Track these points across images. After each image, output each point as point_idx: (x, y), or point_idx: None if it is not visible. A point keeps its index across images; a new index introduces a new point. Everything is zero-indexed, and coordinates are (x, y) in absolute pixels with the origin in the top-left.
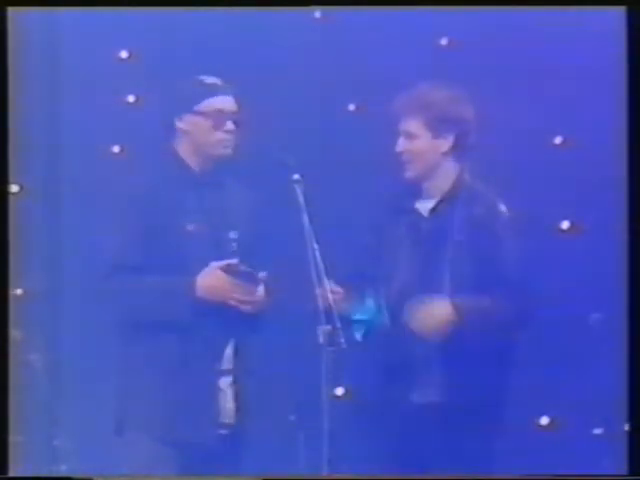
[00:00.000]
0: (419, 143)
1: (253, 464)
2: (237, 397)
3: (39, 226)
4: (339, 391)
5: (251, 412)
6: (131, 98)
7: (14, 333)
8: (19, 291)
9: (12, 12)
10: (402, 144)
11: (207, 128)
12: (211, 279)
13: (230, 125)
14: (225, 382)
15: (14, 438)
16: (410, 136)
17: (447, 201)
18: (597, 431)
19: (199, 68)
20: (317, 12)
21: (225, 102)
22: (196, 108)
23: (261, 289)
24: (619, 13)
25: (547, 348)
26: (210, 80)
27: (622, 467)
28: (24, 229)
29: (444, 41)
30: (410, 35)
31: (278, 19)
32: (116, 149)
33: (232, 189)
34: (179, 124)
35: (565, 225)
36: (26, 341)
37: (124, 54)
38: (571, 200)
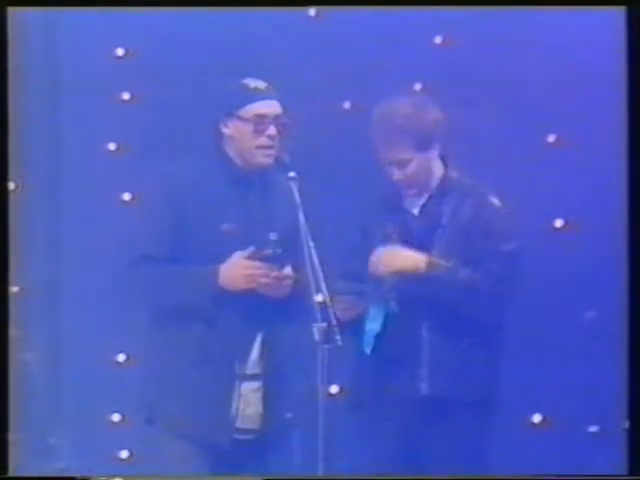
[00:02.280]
0: (414, 166)
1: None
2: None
3: (36, 223)
4: (334, 389)
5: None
6: (126, 95)
7: (10, 331)
8: (15, 289)
9: (12, 12)
10: (398, 174)
11: (248, 134)
12: (236, 268)
13: (272, 130)
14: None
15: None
16: (403, 163)
17: (435, 198)
18: (592, 429)
19: (194, 67)
20: (311, 10)
21: (269, 107)
22: (239, 113)
23: (289, 271)
24: (619, 13)
25: (540, 345)
26: (253, 84)
27: (619, 465)
28: (21, 226)
29: (438, 39)
30: (404, 33)
31: (272, 17)
32: (112, 146)
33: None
34: (224, 129)
35: (559, 223)
36: (22, 339)
37: (120, 52)
38: (565, 198)
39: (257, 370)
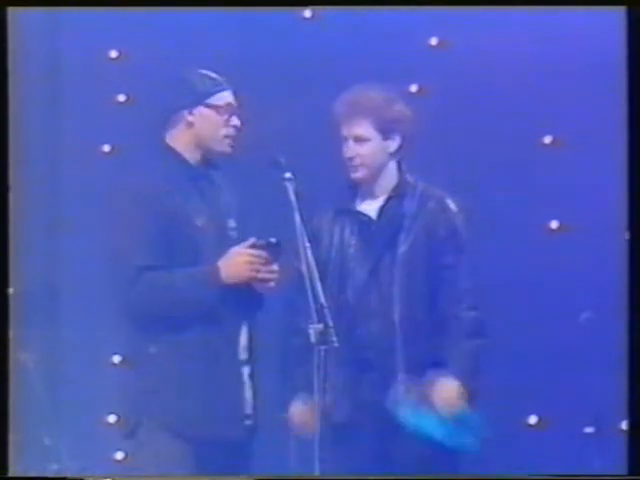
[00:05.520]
0: (370, 146)
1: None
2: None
3: (33, 225)
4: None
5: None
6: (121, 97)
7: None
8: (10, 290)
9: (12, 12)
10: (353, 148)
11: (217, 122)
12: (237, 257)
13: (236, 121)
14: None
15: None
16: (361, 139)
17: (394, 200)
18: (588, 430)
19: (188, 67)
20: (307, 11)
21: (232, 97)
22: (209, 101)
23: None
24: (619, 13)
25: (536, 347)
26: (213, 75)
27: (615, 466)
28: (17, 228)
29: (434, 41)
30: (400, 35)
31: (267, 18)
32: (106, 148)
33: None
34: (188, 117)
35: (555, 225)
36: (17, 341)
37: (114, 54)
38: (561, 199)
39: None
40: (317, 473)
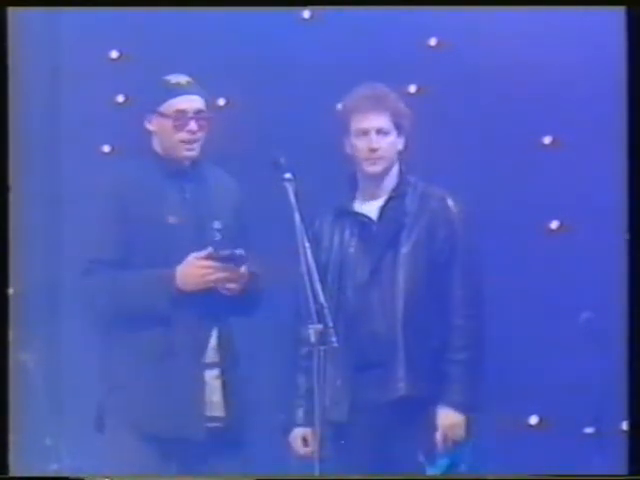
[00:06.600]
0: (390, 140)
1: (244, 464)
2: (227, 395)
3: (29, 226)
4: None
5: (242, 411)
6: (121, 98)
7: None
8: (10, 291)
9: (12, 12)
10: (377, 140)
11: (170, 129)
12: (191, 267)
13: (193, 125)
14: (210, 376)
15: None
16: (382, 132)
17: (395, 200)
18: (589, 430)
19: (188, 68)
20: (306, 12)
21: (189, 102)
22: (160, 109)
23: (244, 268)
24: (619, 13)
25: (536, 347)
26: (175, 80)
27: (615, 466)
28: (14, 229)
29: (433, 41)
30: (398, 35)
31: (266, 19)
32: (106, 149)
33: (219, 186)
34: (148, 125)
35: (554, 225)
36: (17, 341)
37: (114, 54)
38: (561, 200)
39: (216, 359)
40: (317, 473)
